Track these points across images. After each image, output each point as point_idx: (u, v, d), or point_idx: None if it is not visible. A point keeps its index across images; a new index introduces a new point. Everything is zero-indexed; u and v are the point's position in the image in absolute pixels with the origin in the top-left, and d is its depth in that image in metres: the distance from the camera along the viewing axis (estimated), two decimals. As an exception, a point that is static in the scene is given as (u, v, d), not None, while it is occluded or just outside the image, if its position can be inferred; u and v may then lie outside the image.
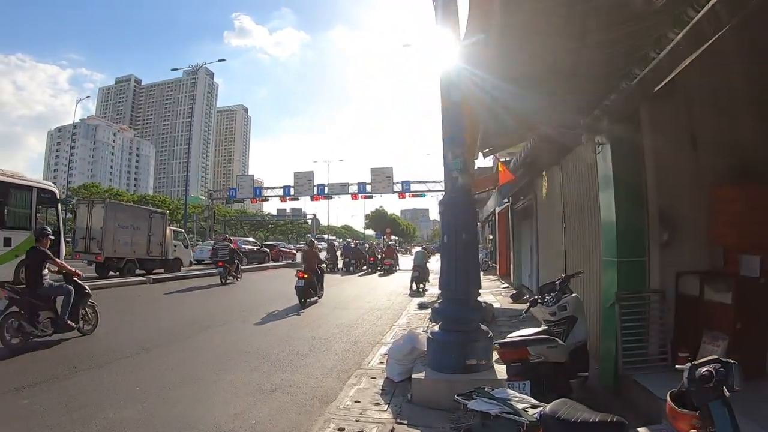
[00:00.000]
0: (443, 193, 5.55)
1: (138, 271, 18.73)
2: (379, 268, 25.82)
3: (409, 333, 6.15)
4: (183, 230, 26.38)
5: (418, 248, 19.19)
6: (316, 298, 12.76)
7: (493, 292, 14.93)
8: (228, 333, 8.54)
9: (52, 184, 16.32)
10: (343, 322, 9.83)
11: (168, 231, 21.10)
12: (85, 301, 7.80)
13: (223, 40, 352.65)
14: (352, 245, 28.73)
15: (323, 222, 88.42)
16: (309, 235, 44.06)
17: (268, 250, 33.45)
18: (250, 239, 35.15)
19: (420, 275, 16.37)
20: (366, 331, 8.87)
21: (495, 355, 4.92)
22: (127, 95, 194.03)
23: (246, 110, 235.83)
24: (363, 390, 5.33)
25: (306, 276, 12.12)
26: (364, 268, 25.62)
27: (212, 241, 28.16)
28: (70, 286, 7.47)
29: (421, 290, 16.12)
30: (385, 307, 12.09)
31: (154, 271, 19.59)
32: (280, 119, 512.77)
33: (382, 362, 6.46)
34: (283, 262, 32.27)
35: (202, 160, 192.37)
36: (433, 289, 16.48)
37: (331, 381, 5.69)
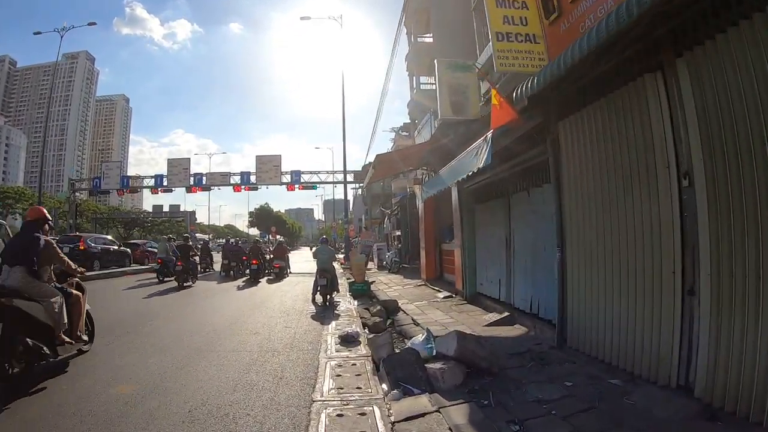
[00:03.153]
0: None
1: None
2: (267, 271, 20.26)
3: None
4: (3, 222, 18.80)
5: (321, 244, 13.71)
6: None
7: (434, 304, 10.43)
8: None
9: None
10: (204, 397, 4.59)
11: (-27, 223, 13.95)
12: None
13: (113, 28, 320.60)
14: (233, 243, 22.94)
15: (204, 221, 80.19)
16: (187, 234, 37.72)
17: (129, 250, 26.09)
18: (108, 237, 27.28)
19: (328, 283, 11.38)
20: (257, 436, 3.76)
21: None
22: (0, 78, 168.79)
23: (127, 100, 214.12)
24: None
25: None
26: (247, 272, 19.63)
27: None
28: None
29: (329, 304, 11.16)
30: (286, 345, 6.94)
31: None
32: (167, 114, 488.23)
33: None
34: (149, 266, 25.20)
35: (78, 153, 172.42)
36: (345, 303, 11.61)
37: None
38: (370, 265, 25.28)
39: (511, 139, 6.73)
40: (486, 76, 8.00)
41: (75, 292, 5.80)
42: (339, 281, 13.24)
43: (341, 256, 32.65)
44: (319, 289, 11.40)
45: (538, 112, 6.17)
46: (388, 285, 15.38)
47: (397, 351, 6.11)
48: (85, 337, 6.04)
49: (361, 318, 9.29)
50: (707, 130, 3.96)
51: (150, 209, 76.72)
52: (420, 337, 5.53)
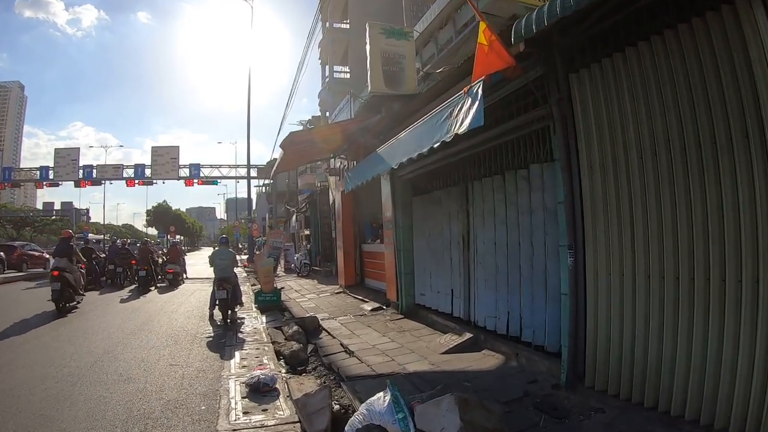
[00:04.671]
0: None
1: None
2: (160, 278, 16.87)
3: None
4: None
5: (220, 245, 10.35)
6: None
7: (363, 320, 8.36)
8: None
9: None
10: None
11: None
12: None
13: (14, 9, 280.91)
14: (119, 244, 18.15)
15: (99, 220, 71.21)
16: (82, 234, 32.56)
17: (2, 254, 20.96)
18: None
19: (229, 296, 8.88)
20: None
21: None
22: None
23: (22, 88, 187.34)
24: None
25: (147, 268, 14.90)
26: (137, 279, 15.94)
27: None
28: None
29: (230, 322, 8.70)
30: (167, 404, 4.47)
31: None
32: (66, 105, 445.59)
33: None
34: (26, 272, 20.95)
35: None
36: (251, 320, 9.22)
37: None
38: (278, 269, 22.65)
39: (487, 102, 4.84)
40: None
41: (81, 270, 11.82)
42: (243, 288, 10.73)
43: (245, 257, 29.46)
44: (217, 303, 8.88)
45: (538, 60, 4.35)
46: (300, 293, 13.04)
47: (338, 410, 4.00)
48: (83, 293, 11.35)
49: (273, 343, 7.01)
50: None
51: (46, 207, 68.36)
52: (382, 399, 3.41)
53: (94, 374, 5.51)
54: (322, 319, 8.51)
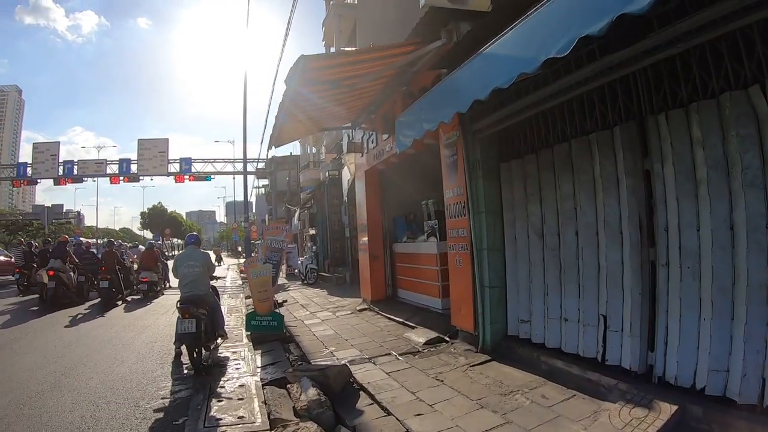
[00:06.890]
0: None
1: None
2: (136, 288, 13.42)
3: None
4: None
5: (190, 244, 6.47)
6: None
7: (422, 364, 4.99)
8: None
9: None
10: None
11: None
12: None
13: (14, 16, 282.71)
14: (83, 247, 14.90)
15: (91, 222, 67.70)
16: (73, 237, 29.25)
17: None
18: None
19: (201, 329, 5.47)
20: None
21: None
22: None
23: (20, 92, 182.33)
24: None
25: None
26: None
27: None
28: None
29: (205, 369, 5.34)
30: None
31: None
32: (66, 110, 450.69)
33: None
34: None
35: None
36: (238, 363, 5.86)
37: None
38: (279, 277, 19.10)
39: None
40: None
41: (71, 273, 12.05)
42: (233, 303, 7.34)
43: (242, 260, 26.03)
44: (183, 338, 5.47)
45: None
46: (308, 309, 9.63)
47: None
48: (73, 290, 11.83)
49: (273, 426, 3.66)
50: None
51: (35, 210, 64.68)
52: None
53: None
54: (351, 362, 5.18)
